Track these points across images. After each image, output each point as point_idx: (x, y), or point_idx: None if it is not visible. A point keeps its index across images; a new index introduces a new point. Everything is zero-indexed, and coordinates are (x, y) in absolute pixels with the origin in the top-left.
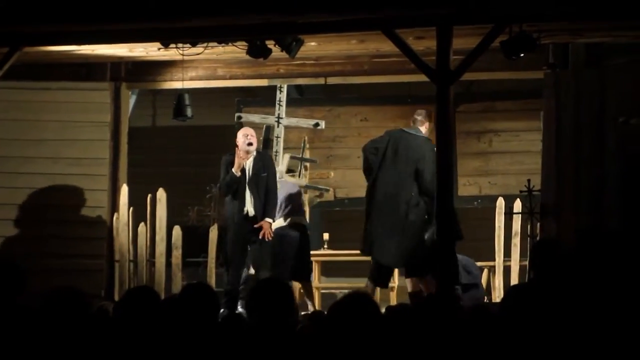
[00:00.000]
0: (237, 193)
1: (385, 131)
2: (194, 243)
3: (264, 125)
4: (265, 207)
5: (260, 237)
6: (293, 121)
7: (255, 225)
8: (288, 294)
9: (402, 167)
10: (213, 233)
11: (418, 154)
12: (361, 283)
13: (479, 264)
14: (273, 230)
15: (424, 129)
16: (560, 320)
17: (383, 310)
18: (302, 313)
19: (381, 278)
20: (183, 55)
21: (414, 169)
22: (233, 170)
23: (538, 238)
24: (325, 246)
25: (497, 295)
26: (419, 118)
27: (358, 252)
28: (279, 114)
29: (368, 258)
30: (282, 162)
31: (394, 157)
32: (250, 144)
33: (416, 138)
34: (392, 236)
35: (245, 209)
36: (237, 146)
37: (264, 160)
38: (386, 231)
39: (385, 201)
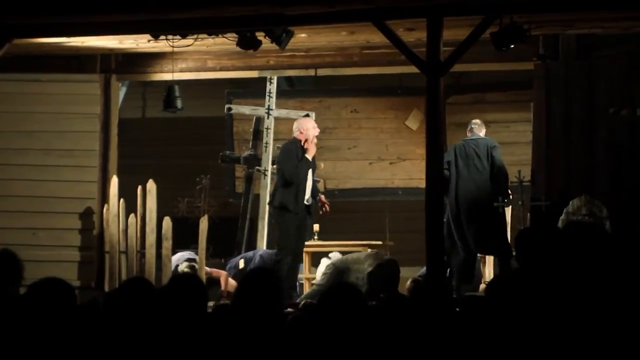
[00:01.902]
0: (301, 182)
1: (450, 146)
2: (184, 234)
3: (254, 117)
4: (314, 188)
5: (326, 208)
6: (283, 112)
7: (322, 197)
8: (277, 284)
9: (477, 170)
10: (203, 224)
11: (488, 148)
12: None
13: None
14: None
15: (482, 134)
16: (542, 308)
17: None
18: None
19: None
20: (173, 47)
21: (489, 163)
22: (308, 156)
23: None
24: (316, 237)
25: None
26: (476, 126)
27: (348, 243)
28: (269, 106)
29: (357, 249)
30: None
31: (466, 164)
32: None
33: (479, 140)
34: (481, 231)
35: (307, 197)
36: (300, 133)
37: None
38: (473, 231)
39: (468, 207)
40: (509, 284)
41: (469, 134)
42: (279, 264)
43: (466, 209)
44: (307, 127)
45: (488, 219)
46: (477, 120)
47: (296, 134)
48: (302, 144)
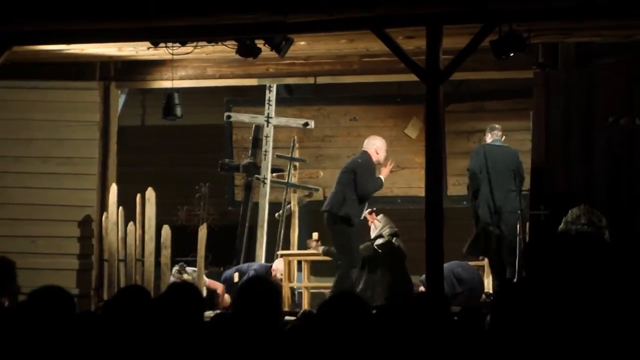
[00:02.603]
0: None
1: (479, 146)
2: (183, 242)
3: (253, 125)
4: None
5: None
6: (282, 120)
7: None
8: (275, 293)
9: (503, 177)
10: (202, 232)
11: (515, 161)
12: None
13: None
14: None
15: (502, 141)
16: (549, 318)
17: None
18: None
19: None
20: (172, 54)
21: (513, 172)
22: (382, 177)
23: (527, 237)
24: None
25: None
26: (499, 132)
27: None
28: (268, 114)
29: None
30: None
31: (494, 169)
32: None
33: (504, 149)
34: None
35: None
36: (376, 154)
37: None
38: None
39: (498, 211)
40: (515, 294)
41: (491, 138)
42: (344, 277)
43: (496, 213)
44: (383, 150)
45: (512, 227)
46: (498, 126)
47: (370, 151)
48: (378, 164)
